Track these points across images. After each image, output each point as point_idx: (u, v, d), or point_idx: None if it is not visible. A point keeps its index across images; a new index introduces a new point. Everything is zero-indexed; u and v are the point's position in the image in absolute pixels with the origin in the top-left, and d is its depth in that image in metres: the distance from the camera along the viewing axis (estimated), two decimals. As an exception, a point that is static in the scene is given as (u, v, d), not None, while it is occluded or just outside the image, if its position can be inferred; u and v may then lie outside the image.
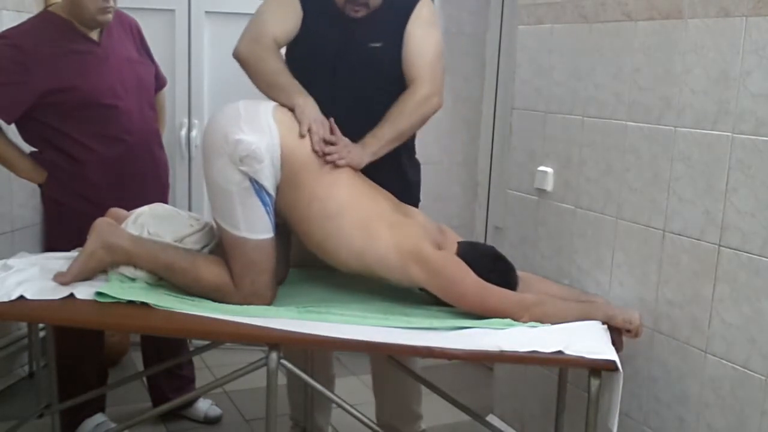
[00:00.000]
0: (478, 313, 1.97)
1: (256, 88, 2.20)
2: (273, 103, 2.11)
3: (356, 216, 2.03)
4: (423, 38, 2.26)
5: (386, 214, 2.07)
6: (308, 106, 2.12)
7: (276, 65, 2.18)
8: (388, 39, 2.25)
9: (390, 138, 2.21)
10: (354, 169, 2.12)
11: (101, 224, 2.07)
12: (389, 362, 2.36)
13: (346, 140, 2.14)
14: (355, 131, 2.17)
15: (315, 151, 2.05)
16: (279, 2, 2.27)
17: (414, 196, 2.42)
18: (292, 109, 2.11)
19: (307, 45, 2.27)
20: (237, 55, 2.22)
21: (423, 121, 2.27)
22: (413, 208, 2.22)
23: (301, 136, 2.05)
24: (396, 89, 2.25)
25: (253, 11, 2.28)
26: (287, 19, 2.25)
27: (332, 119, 2.14)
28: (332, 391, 2.38)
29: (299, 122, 2.08)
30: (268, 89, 2.17)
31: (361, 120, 2.20)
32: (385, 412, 2.57)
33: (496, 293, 1.99)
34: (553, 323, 1.95)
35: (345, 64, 2.24)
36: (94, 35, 2.49)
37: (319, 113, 2.13)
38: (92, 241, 2.04)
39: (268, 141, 1.99)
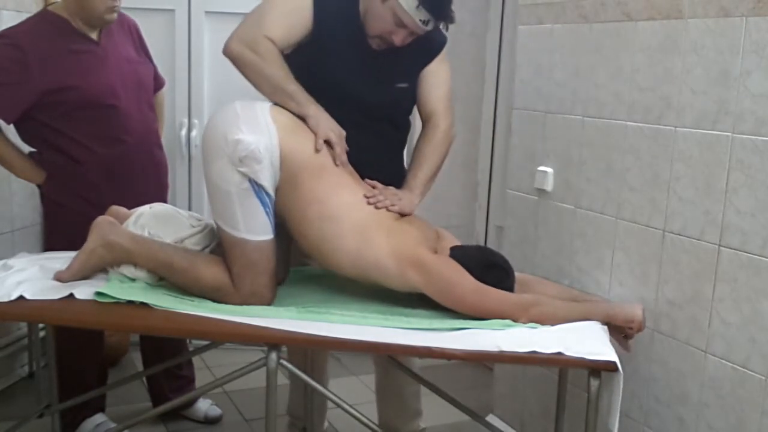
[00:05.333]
0: (477, 316, 1.96)
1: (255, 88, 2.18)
2: (269, 103, 2.10)
3: (354, 221, 2.03)
4: (438, 73, 2.30)
5: (385, 220, 2.07)
6: (323, 116, 2.09)
7: (280, 70, 2.10)
8: (413, 79, 2.28)
9: (430, 176, 2.29)
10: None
11: (102, 222, 2.07)
12: (389, 362, 2.36)
13: (391, 188, 2.17)
14: (358, 161, 2.16)
15: (336, 165, 2.05)
16: (285, 6, 2.15)
17: None
18: (302, 118, 2.09)
19: (324, 68, 2.17)
20: (229, 54, 2.12)
21: (447, 153, 2.34)
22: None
23: (317, 150, 2.03)
24: (402, 124, 2.35)
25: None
26: (292, 29, 2.13)
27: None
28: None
29: (315, 134, 2.06)
30: (272, 93, 2.11)
31: (367, 154, 2.19)
32: (387, 411, 2.57)
33: (493, 295, 1.98)
34: (552, 324, 1.94)
35: (368, 100, 2.21)
36: (94, 35, 2.48)
37: (335, 124, 2.10)
38: (93, 238, 2.04)
39: (266, 141, 1.98)
